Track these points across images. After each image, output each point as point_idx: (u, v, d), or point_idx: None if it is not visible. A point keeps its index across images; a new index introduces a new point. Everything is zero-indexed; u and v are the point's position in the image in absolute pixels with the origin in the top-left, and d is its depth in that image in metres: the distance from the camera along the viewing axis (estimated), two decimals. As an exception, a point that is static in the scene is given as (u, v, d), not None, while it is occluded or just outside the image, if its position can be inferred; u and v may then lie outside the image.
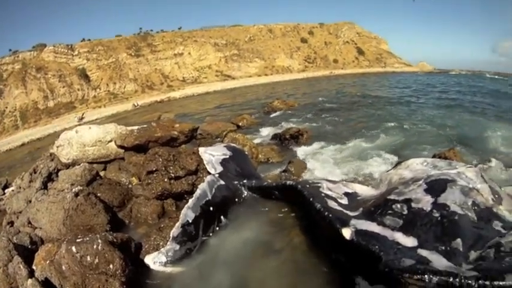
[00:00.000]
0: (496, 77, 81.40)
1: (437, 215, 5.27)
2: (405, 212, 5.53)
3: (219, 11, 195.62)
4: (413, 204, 5.63)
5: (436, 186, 5.94)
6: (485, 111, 25.63)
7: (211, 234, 6.95)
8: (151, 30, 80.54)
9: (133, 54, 71.34)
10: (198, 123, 17.82)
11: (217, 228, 7.11)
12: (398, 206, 5.68)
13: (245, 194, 8.11)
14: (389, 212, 5.63)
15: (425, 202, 5.59)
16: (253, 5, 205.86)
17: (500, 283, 3.68)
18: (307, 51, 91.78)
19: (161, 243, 6.82)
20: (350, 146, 15.05)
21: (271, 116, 23.23)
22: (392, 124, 19.90)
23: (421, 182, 6.24)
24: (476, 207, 5.48)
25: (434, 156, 11.54)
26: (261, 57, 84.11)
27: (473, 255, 4.54)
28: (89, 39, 71.07)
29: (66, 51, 64.86)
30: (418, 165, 7.28)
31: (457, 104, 29.92)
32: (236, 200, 7.93)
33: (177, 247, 6.40)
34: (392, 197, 6.04)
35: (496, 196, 6.13)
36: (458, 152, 12.61)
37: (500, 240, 4.67)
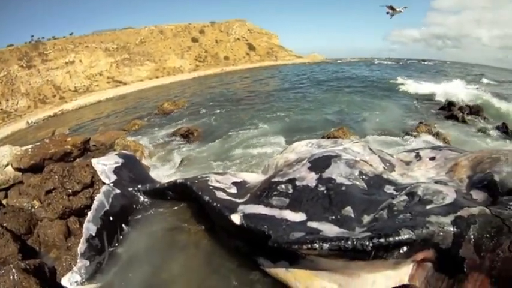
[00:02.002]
0: (384, 62, 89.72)
1: (322, 188, 5.41)
2: (290, 191, 5.63)
3: (111, 13, 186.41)
4: (297, 183, 5.75)
5: (319, 163, 6.13)
6: (356, 91, 28.99)
7: (116, 244, 6.76)
8: (43, 38, 73.73)
9: (24, 65, 64.75)
10: (92, 134, 17.36)
11: (121, 237, 6.94)
12: (283, 186, 5.79)
13: (142, 199, 8.01)
14: (275, 193, 5.71)
15: (310, 179, 5.73)
16: (144, 6, 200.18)
17: (396, 238, 3.76)
18: (198, 51, 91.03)
19: (72, 263, 6.53)
20: (239, 138, 15.32)
21: (162, 118, 22.81)
22: (280, 112, 20.82)
23: (304, 161, 6.40)
24: (364, 176, 5.75)
25: (323, 137, 12.16)
26: (152, 60, 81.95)
27: (366, 219, 4.67)
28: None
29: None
30: (303, 147, 7.56)
31: (337, 88, 32.69)
32: (134, 206, 7.80)
33: (87, 263, 6.08)
34: (277, 179, 6.15)
35: (388, 164, 6.67)
36: (347, 130, 13.42)
37: (393, 201, 4.83)
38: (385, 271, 4.16)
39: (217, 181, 7.11)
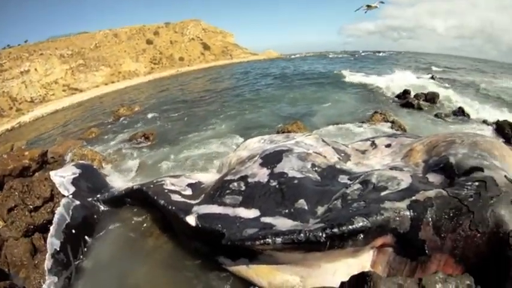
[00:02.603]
0: (339, 56, 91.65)
1: (274, 183, 5.43)
2: (243, 189, 5.65)
3: (65, 18, 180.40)
4: (249, 180, 5.77)
5: (271, 159, 6.16)
6: (308, 85, 29.38)
7: (81, 256, 6.66)
8: (-3, 46, 69.57)
9: (-20, 77, 62.06)
10: (51, 145, 16.83)
11: (85, 249, 6.84)
12: (236, 184, 5.80)
13: (102, 208, 7.94)
14: (228, 191, 5.72)
15: (262, 175, 5.76)
16: (99, 8, 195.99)
17: (350, 227, 3.80)
18: (152, 53, 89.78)
19: (41, 281, 6.40)
20: (196, 138, 15.25)
21: (118, 123, 22.32)
22: (235, 111, 20.88)
23: (256, 158, 6.42)
24: (317, 168, 5.78)
25: (278, 132, 12.12)
26: (107, 65, 79.78)
27: (320, 210, 4.70)
28: None
29: None
30: (255, 144, 7.58)
31: (290, 83, 32.98)
32: (95, 216, 7.70)
33: (55, 279, 6.06)
34: (229, 177, 6.15)
35: (343, 154, 6.68)
36: (302, 124, 13.44)
37: (346, 190, 4.87)
38: (345, 259, 4.18)
39: (172, 184, 7.11)
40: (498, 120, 13.81)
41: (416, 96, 19.43)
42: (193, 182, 7.33)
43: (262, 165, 6.05)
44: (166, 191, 6.70)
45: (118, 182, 9.94)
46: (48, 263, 6.29)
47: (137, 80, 75.72)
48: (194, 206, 5.76)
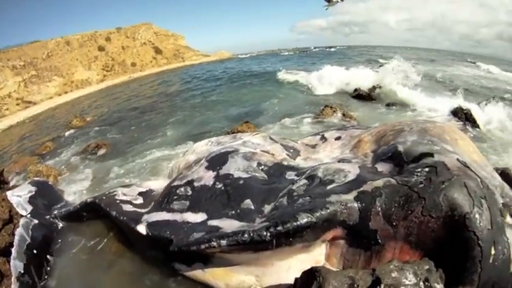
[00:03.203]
0: (291, 53, 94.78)
1: (220, 186, 5.39)
2: (190, 193, 5.61)
3: (18, 27, 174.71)
4: (195, 184, 5.72)
5: (216, 161, 6.10)
6: (257, 85, 30.09)
7: (46, 276, 6.29)
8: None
9: None
10: (7, 163, 16.57)
11: (49, 269, 6.47)
12: (182, 189, 5.75)
13: (60, 225, 7.53)
14: (175, 197, 5.67)
15: (207, 178, 5.71)
16: (51, 15, 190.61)
17: (294, 223, 3.74)
18: (105, 59, 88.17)
19: None
20: (148, 146, 15.14)
21: (72, 135, 21.65)
22: (186, 114, 20.87)
23: (202, 161, 6.34)
24: (263, 167, 5.73)
25: (228, 133, 12.01)
26: (60, 74, 77.66)
27: (267, 208, 4.65)
28: None
29: None
30: (203, 147, 7.50)
31: (240, 83, 33.33)
32: (54, 234, 7.30)
33: None
34: (176, 183, 6.10)
35: (292, 150, 6.66)
36: (251, 124, 13.56)
37: (292, 186, 4.83)
38: (297, 255, 4.14)
39: (124, 194, 7.01)
40: (453, 107, 14.18)
41: (368, 88, 19.75)
42: (144, 190, 7.26)
43: (207, 168, 6.01)
44: (118, 201, 6.62)
45: (73, 197, 9.73)
46: (14, 287, 6.01)
47: (90, 88, 74.05)
48: (144, 215, 5.70)
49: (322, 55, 69.32)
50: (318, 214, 3.82)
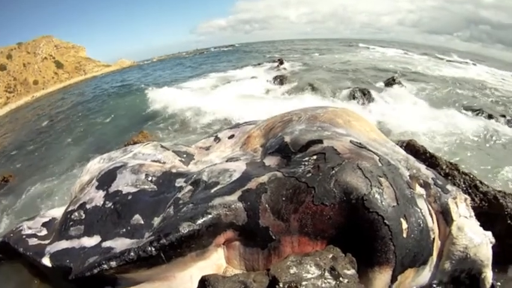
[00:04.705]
0: (191, 55, 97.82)
1: (109, 204, 5.16)
2: (83, 217, 5.36)
3: None
4: (87, 206, 5.44)
5: (105, 179, 5.85)
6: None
7: None
8: None
9: None
10: None
11: None
12: (76, 213, 5.47)
13: None
14: (71, 223, 5.40)
15: (98, 198, 5.45)
16: None
17: (176, 235, 3.62)
18: (6, 80, 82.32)
19: None
20: (55, 171, 14.39)
21: None
22: (85, 131, 20.56)
23: (93, 181, 6.06)
24: (152, 178, 5.51)
25: (126, 145, 11.39)
26: None
27: (156, 221, 4.51)
28: None
29: None
30: (95, 165, 7.14)
31: (134, 93, 32.27)
32: None
33: None
34: (71, 208, 5.81)
35: (185, 156, 6.52)
36: (148, 133, 13.55)
37: (178, 194, 4.72)
38: (196, 264, 3.99)
39: (29, 227, 6.52)
40: (349, 88, 14.69)
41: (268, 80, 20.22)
42: (48, 220, 6.79)
43: (98, 187, 5.73)
44: (24, 236, 6.17)
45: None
46: None
47: (-6, 114, 69.25)
48: (47, 246, 5.37)
49: (222, 55, 71.91)
50: (200, 221, 3.70)
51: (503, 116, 13.38)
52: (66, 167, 14.27)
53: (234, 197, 3.92)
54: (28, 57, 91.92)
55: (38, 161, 17.34)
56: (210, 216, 3.74)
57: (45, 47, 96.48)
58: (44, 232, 6.28)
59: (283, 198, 3.76)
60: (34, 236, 6.13)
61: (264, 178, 4.05)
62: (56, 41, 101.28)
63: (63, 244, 5.15)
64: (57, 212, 6.97)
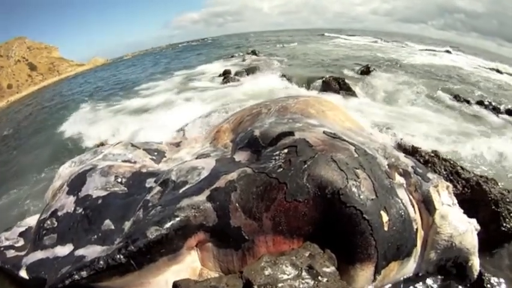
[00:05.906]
0: (164, 50, 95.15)
1: (80, 210, 4.92)
2: (55, 225, 5.14)
3: None
4: (59, 213, 5.23)
5: (75, 183, 5.58)
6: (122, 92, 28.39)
7: None
8: None
9: None
10: None
11: None
12: (49, 222, 5.25)
13: None
14: (44, 232, 5.19)
15: (69, 204, 5.23)
16: None
17: (144, 240, 3.45)
18: None
19: None
20: (28, 177, 12.85)
21: None
22: (57, 136, 18.98)
23: (64, 186, 5.81)
24: (122, 179, 5.26)
25: (98, 146, 11.35)
26: None
27: (127, 225, 4.32)
28: None
29: None
30: (66, 170, 6.86)
31: (108, 94, 30.96)
32: None
33: None
34: (43, 216, 5.60)
35: (156, 153, 6.28)
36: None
37: (147, 196, 4.52)
38: (170, 268, 3.82)
39: (7, 239, 6.20)
40: (323, 78, 14.55)
41: (238, 73, 20.02)
42: (25, 229, 6.49)
43: (68, 193, 5.47)
44: (2, 249, 5.89)
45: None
46: None
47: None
48: (23, 258, 5.18)
49: (196, 48, 70.20)
50: (167, 225, 3.54)
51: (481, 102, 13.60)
52: (40, 181, 13.68)
53: (202, 197, 3.78)
54: (1, 60, 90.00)
55: (12, 173, 16.59)
56: (178, 219, 3.59)
57: (18, 49, 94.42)
58: (21, 243, 6.06)
59: (254, 196, 3.63)
60: (11, 247, 5.90)
61: (233, 175, 3.91)
62: (28, 43, 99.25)
63: (38, 255, 4.96)
64: (33, 221, 6.79)
